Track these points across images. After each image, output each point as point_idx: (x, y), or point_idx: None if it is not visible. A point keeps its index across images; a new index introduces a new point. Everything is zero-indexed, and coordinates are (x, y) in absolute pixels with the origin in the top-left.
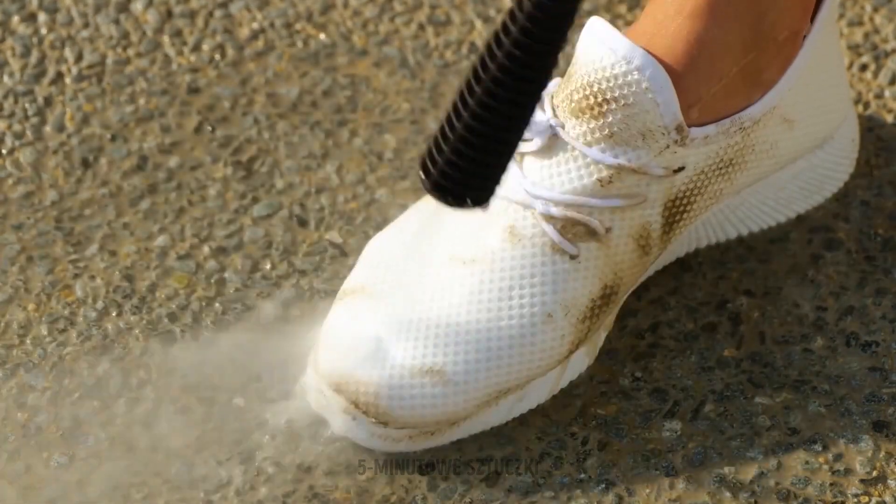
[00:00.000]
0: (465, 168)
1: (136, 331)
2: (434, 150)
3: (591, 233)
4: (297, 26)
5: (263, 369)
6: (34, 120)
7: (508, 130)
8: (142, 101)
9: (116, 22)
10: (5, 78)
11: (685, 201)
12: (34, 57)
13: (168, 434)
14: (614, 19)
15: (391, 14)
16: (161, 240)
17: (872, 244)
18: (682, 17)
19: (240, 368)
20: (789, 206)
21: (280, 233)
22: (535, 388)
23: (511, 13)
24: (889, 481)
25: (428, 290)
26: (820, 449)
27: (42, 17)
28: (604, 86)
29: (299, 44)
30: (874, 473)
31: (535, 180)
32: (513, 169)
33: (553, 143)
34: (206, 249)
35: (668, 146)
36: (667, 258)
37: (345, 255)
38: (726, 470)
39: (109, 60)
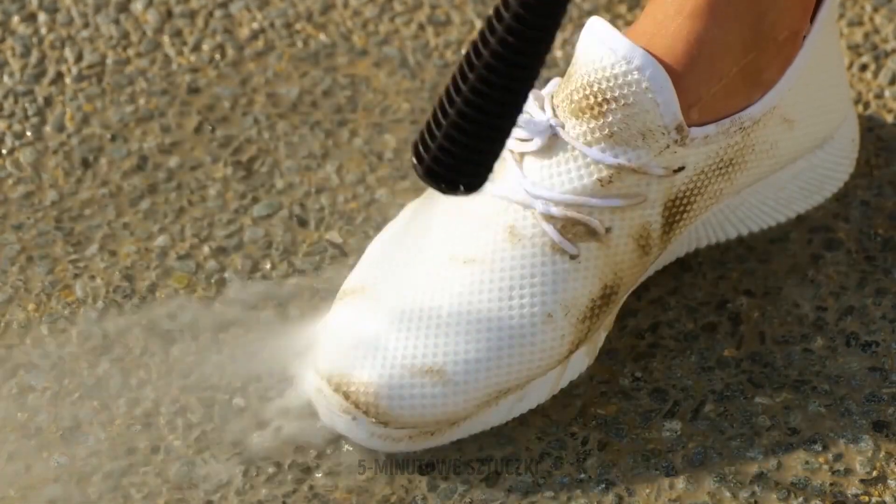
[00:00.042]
0: (458, 154)
1: (136, 331)
2: (427, 136)
3: (591, 233)
4: (297, 26)
5: (263, 369)
6: (34, 120)
7: (501, 117)
8: (142, 101)
9: (116, 22)
10: (5, 78)
11: (685, 201)
12: (34, 57)
13: (168, 434)
14: (614, 19)
15: (391, 14)
16: (161, 240)
17: (872, 244)
18: (682, 17)
19: (240, 368)
20: (789, 206)
21: (280, 233)
22: (535, 388)
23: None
24: (889, 481)
25: (428, 290)
26: (820, 449)
27: (42, 17)
28: (604, 86)
29: (299, 44)
30: (874, 473)
31: (535, 180)
32: (513, 169)
33: (553, 143)
34: (206, 249)
35: (668, 146)
36: (667, 258)
37: (345, 255)
38: (726, 470)
39: (109, 60)
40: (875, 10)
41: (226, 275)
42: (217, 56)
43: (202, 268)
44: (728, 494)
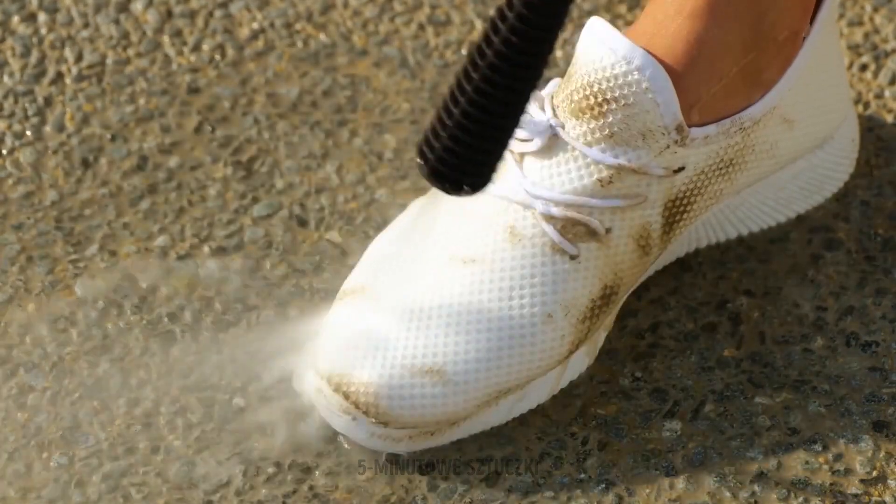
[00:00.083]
0: (463, 154)
1: (136, 331)
2: (431, 136)
3: (592, 233)
4: (297, 26)
5: (263, 369)
6: (34, 120)
7: (505, 116)
8: (142, 101)
9: (116, 22)
10: (5, 78)
11: (685, 201)
12: (34, 57)
13: (168, 434)
14: (614, 19)
15: (391, 14)
16: (161, 240)
17: (872, 244)
18: (682, 17)
19: (240, 368)
20: (789, 206)
21: (280, 233)
22: (535, 388)
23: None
24: (889, 481)
25: (428, 291)
26: (820, 449)
27: (42, 17)
28: (604, 86)
29: (299, 44)
30: (874, 473)
31: (535, 180)
32: (513, 169)
33: (553, 143)
34: (206, 249)
35: (668, 146)
36: (667, 258)
37: (345, 255)
38: (726, 470)
39: (109, 60)
40: (875, 10)
41: (226, 275)
42: (217, 56)
43: (202, 268)
44: (728, 494)
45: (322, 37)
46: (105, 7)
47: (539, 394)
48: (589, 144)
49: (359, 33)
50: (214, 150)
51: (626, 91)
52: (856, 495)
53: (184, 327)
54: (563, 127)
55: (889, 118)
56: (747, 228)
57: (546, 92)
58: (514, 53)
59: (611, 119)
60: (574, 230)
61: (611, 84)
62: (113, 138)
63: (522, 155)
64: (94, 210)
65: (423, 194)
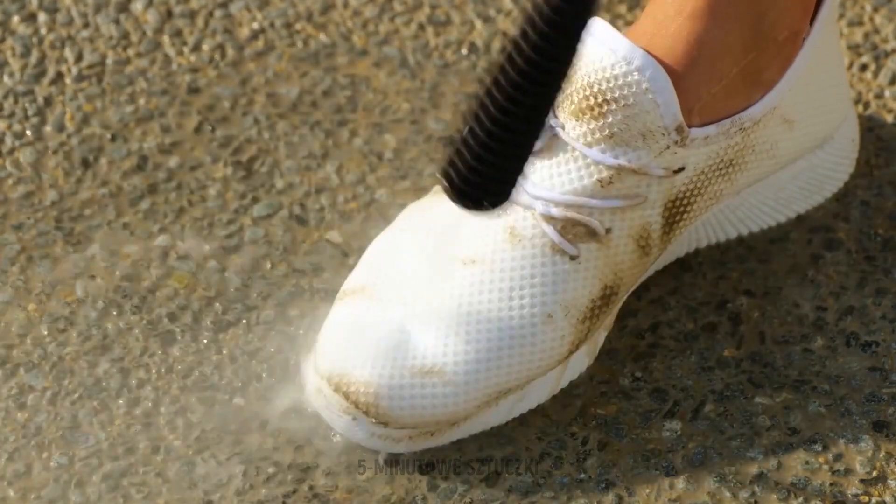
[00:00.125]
0: (486, 173)
1: (136, 331)
2: (456, 158)
3: (592, 233)
4: (297, 26)
5: (263, 369)
6: (34, 120)
7: (527, 134)
8: (142, 101)
9: (116, 22)
10: (5, 78)
11: (685, 202)
12: (34, 57)
13: (168, 434)
14: (614, 19)
15: (391, 14)
16: (161, 240)
17: (872, 244)
18: (682, 17)
19: (240, 368)
20: (789, 206)
21: (280, 233)
22: (535, 388)
23: (529, 18)
24: (889, 481)
25: (428, 291)
26: (820, 449)
27: (42, 17)
28: (604, 86)
29: (299, 44)
30: (874, 473)
31: (535, 181)
32: None
33: (553, 143)
34: (206, 249)
35: (668, 147)
36: (667, 258)
37: (345, 255)
38: (726, 470)
39: (109, 60)
40: (875, 10)
41: (226, 275)
42: (217, 56)
43: (202, 268)
44: (728, 494)
45: (322, 37)
46: (105, 7)
47: (539, 394)
48: (589, 145)
49: (359, 33)
50: (214, 150)
51: (626, 91)
52: (856, 495)
53: (184, 327)
54: (563, 127)
55: (889, 118)
56: (747, 228)
57: None
58: (537, 73)
59: (611, 119)
60: (574, 230)
61: (611, 84)
62: (113, 138)
63: None
64: (94, 210)
65: (423, 194)
